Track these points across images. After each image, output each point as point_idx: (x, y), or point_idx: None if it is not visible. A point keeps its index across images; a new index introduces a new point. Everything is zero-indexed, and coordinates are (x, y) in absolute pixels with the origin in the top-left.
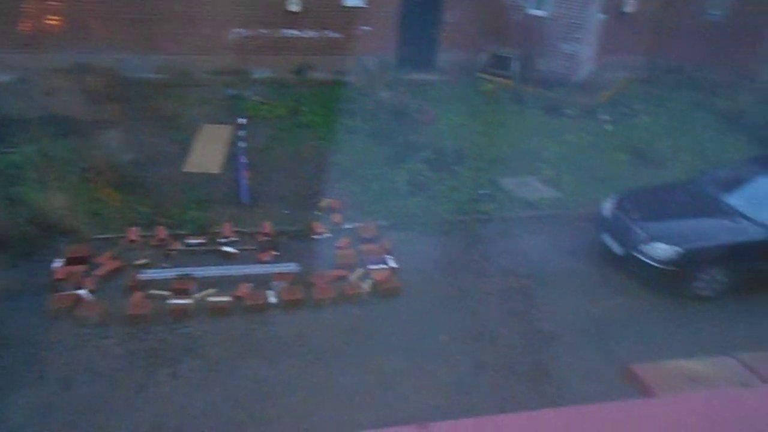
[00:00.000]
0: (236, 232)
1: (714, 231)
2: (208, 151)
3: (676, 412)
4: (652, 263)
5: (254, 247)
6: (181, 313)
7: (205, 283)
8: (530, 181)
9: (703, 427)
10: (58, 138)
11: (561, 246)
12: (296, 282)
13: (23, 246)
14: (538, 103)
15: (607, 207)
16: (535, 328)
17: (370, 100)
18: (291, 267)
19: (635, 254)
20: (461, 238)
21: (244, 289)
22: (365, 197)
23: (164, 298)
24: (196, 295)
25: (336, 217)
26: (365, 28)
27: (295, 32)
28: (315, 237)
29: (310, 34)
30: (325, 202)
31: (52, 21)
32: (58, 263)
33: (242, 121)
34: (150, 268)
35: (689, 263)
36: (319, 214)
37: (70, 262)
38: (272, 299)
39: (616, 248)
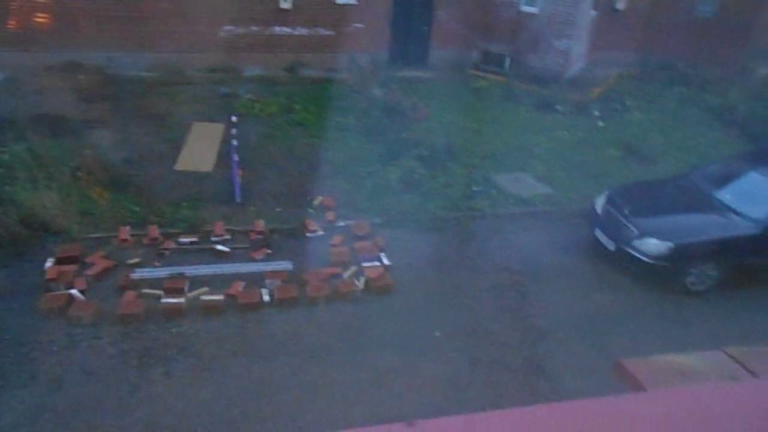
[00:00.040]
0: (229, 230)
1: (705, 226)
2: (200, 150)
3: (666, 406)
4: (644, 258)
5: (247, 246)
6: (174, 312)
7: (197, 281)
8: (523, 178)
9: (692, 420)
10: (49, 137)
11: (554, 242)
12: (289, 280)
13: (14, 246)
14: (530, 100)
15: (600, 203)
16: (528, 324)
17: (362, 97)
18: (284, 265)
19: (627, 250)
20: (454, 234)
21: (237, 287)
22: (358, 195)
23: (157, 297)
24: (189, 294)
25: (329, 215)
26: (357, 25)
27: (287, 29)
28: (308, 235)
29: (302, 31)
30: (318, 200)
31: (42, 19)
32: (49, 263)
33: (234, 119)
34: (142, 267)
35: (681, 258)
36: (312, 211)
37: (62, 261)
38: (265, 297)
39: (609, 244)
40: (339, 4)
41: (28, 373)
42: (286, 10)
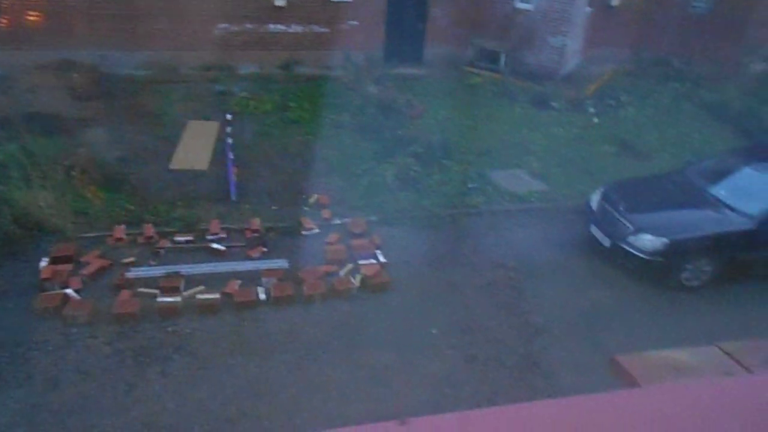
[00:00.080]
0: (224, 228)
1: (700, 222)
2: (194, 148)
3: (660, 402)
4: (639, 254)
5: (243, 244)
6: (170, 311)
7: (193, 280)
8: (519, 174)
9: (687, 416)
10: (43, 136)
11: (550, 239)
12: (285, 278)
13: (8, 246)
14: (525, 97)
15: (595, 199)
16: (524, 321)
17: (357, 94)
18: (280, 263)
19: (622, 246)
20: (450, 231)
21: (233, 286)
22: (354, 192)
23: (152, 296)
24: (185, 293)
25: (325, 213)
26: (352, 22)
27: (281, 27)
28: (304, 233)
29: (296, 28)
30: (313, 198)
31: (35, 17)
32: (44, 262)
33: (229, 117)
34: (137, 266)
35: (676, 254)
36: (308, 209)
37: (57, 261)
38: (261, 296)
39: (604, 240)
40: (333, 2)
41: (24, 373)
42: (280, 8)
